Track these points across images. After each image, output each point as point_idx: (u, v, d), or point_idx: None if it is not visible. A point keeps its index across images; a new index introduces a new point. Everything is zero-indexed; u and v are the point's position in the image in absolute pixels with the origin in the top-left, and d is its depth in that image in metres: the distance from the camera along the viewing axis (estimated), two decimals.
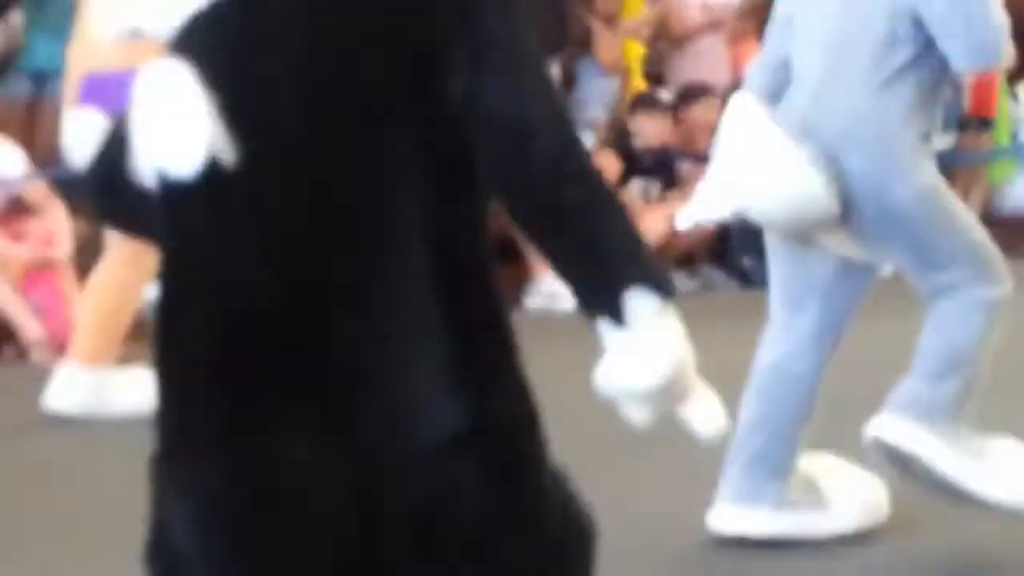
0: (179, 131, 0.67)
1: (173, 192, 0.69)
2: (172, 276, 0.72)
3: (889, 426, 2.36)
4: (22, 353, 4.67)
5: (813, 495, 2.47)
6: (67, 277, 4.70)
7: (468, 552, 0.69)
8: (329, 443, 0.68)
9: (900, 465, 2.38)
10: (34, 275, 4.76)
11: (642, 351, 0.65)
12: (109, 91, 3.02)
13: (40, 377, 3.85)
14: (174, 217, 0.71)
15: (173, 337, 0.72)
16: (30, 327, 4.61)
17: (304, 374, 0.68)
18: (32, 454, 3.45)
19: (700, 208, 2.81)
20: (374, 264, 0.68)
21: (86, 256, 4.36)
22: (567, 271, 0.69)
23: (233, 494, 0.68)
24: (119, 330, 3.74)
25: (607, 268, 0.67)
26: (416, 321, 0.68)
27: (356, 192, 0.69)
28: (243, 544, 0.69)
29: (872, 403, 2.48)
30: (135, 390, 3.25)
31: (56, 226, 4.80)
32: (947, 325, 2.35)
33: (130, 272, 3.53)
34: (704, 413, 0.69)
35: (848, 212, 2.32)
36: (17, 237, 4.80)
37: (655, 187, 6.09)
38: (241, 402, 0.68)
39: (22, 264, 4.75)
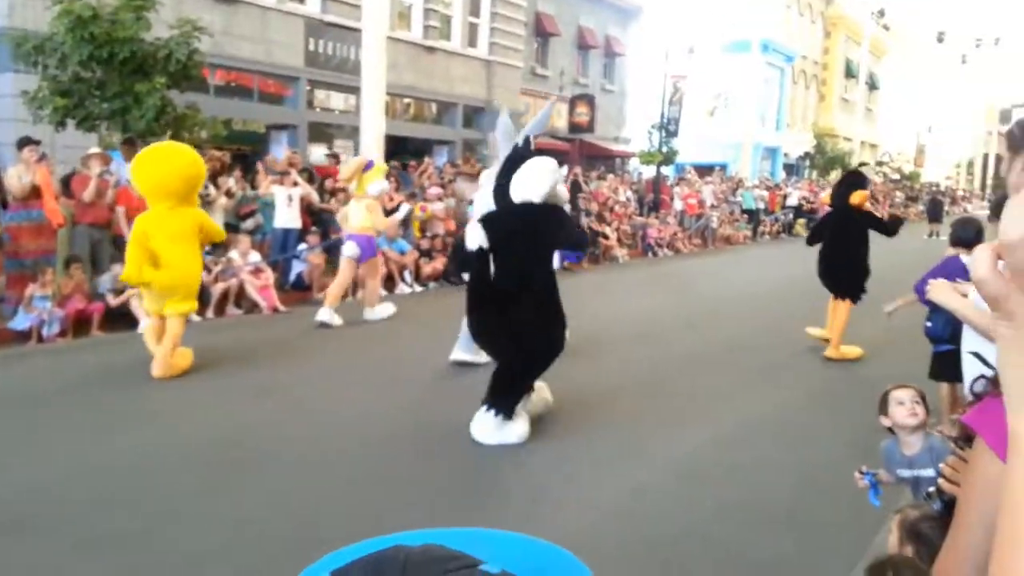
0: (475, 240, 5.16)
1: (479, 252, 5.15)
2: (474, 276, 5.35)
3: None
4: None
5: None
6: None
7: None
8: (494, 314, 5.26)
9: None
10: None
11: None
12: None
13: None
14: (478, 259, 5.18)
15: (472, 295, 5.42)
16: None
17: (503, 307, 5.16)
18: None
19: None
20: (530, 278, 5.22)
21: None
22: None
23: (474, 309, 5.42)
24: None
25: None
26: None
27: (524, 259, 5.16)
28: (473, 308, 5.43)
29: None
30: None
31: None
32: None
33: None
34: None
35: None
36: None
37: None
38: (482, 308, 5.34)
39: None
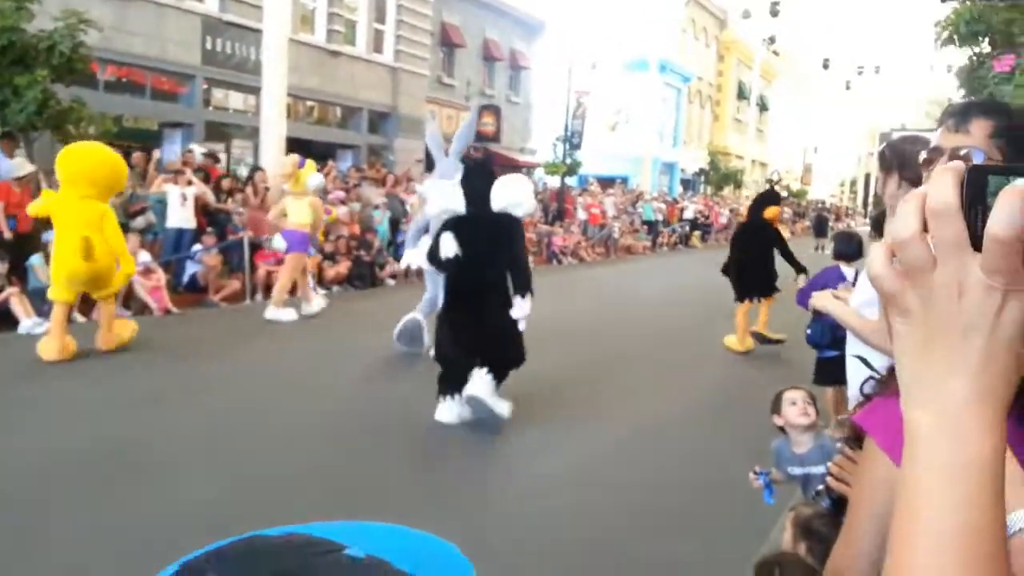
0: (449, 248, 5.42)
1: (449, 260, 5.47)
2: (450, 278, 5.63)
3: None
4: None
5: None
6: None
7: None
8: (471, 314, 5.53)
9: None
10: None
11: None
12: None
13: None
14: (450, 265, 5.50)
15: (448, 292, 5.65)
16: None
17: (473, 303, 5.52)
18: None
19: None
20: (494, 277, 5.54)
21: None
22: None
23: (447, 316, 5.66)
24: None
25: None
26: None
27: (493, 263, 5.52)
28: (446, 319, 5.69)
29: None
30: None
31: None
32: None
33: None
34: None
35: None
36: None
37: None
38: (454, 304, 5.59)
39: None
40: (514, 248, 5.67)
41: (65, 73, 10.07)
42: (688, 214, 27.67)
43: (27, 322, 8.11)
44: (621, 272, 17.97)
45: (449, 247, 5.46)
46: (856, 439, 1.47)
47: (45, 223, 9.52)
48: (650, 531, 4.07)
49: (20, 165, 9.40)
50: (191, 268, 10.60)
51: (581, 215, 21.46)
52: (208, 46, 16.24)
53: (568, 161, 23.53)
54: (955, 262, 0.51)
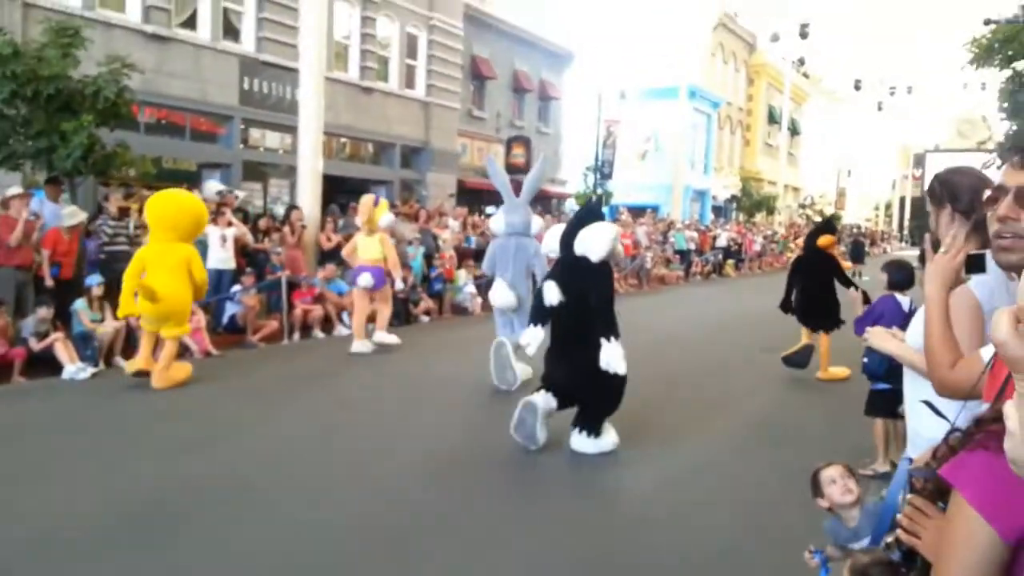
0: (552, 296, 5.86)
1: (553, 307, 5.90)
2: (555, 320, 5.95)
3: None
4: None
5: None
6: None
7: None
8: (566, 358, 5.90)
9: None
10: None
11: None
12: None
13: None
14: (553, 312, 5.93)
15: (553, 341, 6.01)
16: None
17: (569, 347, 5.88)
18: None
19: None
20: (588, 321, 5.80)
21: None
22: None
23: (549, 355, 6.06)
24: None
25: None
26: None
27: (585, 307, 5.79)
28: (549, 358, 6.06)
29: None
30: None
31: None
32: None
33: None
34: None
35: None
36: None
37: None
38: (560, 342, 5.96)
39: None
40: (598, 292, 5.78)
41: (110, 117, 10.30)
42: (721, 242, 27.44)
43: (71, 368, 8.21)
44: (655, 303, 17.80)
45: (552, 295, 5.85)
46: (932, 490, 1.42)
47: (86, 268, 9.73)
48: (695, 571, 3.96)
49: (73, 214, 9.52)
50: (230, 309, 10.71)
51: None
52: (245, 86, 16.56)
53: (599, 191, 23.52)
54: None
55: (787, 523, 4.39)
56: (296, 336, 11.01)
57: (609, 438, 5.91)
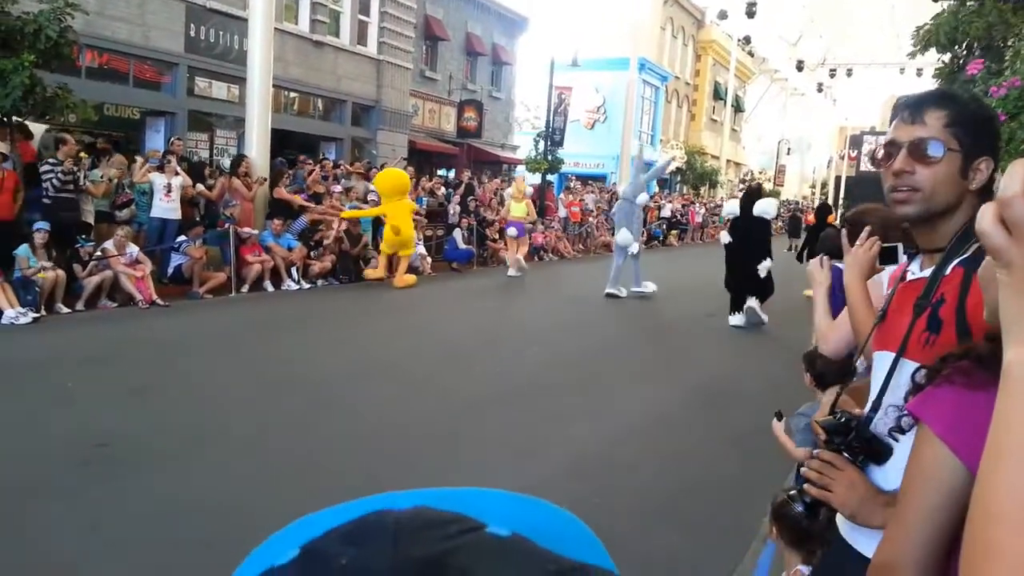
0: (725, 238, 11.00)
1: (727, 245, 10.77)
2: (728, 253, 10.72)
3: None
4: None
5: None
6: None
7: None
8: (741, 271, 10.58)
9: None
10: None
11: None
12: None
13: None
14: (728, 248, 10.76)
15: (727, 262, 10.72)
16: None
17: (741, 265, 10.39)
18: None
19: None
20: (754, 250, 10.38)
21: None
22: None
23: (730, 272, 10.88)
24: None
25: None
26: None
27: (752, 243, 10.28)
28: (730, 273, 10.90)
29: None
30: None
31: None
32: None
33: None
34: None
35: None
36: None
37: None
38: (732, 267, 10.63)
39: None
40: (764, 236, 10.39)
41: (51, 58, 9.88)
42: (665, 212, 27.90)
43: (10, 312, 8.01)
44: (602, 268, 18.07)
45: (725, 237, 10.79)
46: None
47: (28, 213, 9.42)
48: (636, 523, 4.10)
49: None
50: (176, 260, 10.51)
51: (562, 212, 21.56)
52: (192, 33, 16.04)
53: (549, 158, 23.60)
54: None
55: (724, 479, 4.63)
56: (245, 288, 10.89)
57: (765, 316, 10.33)
